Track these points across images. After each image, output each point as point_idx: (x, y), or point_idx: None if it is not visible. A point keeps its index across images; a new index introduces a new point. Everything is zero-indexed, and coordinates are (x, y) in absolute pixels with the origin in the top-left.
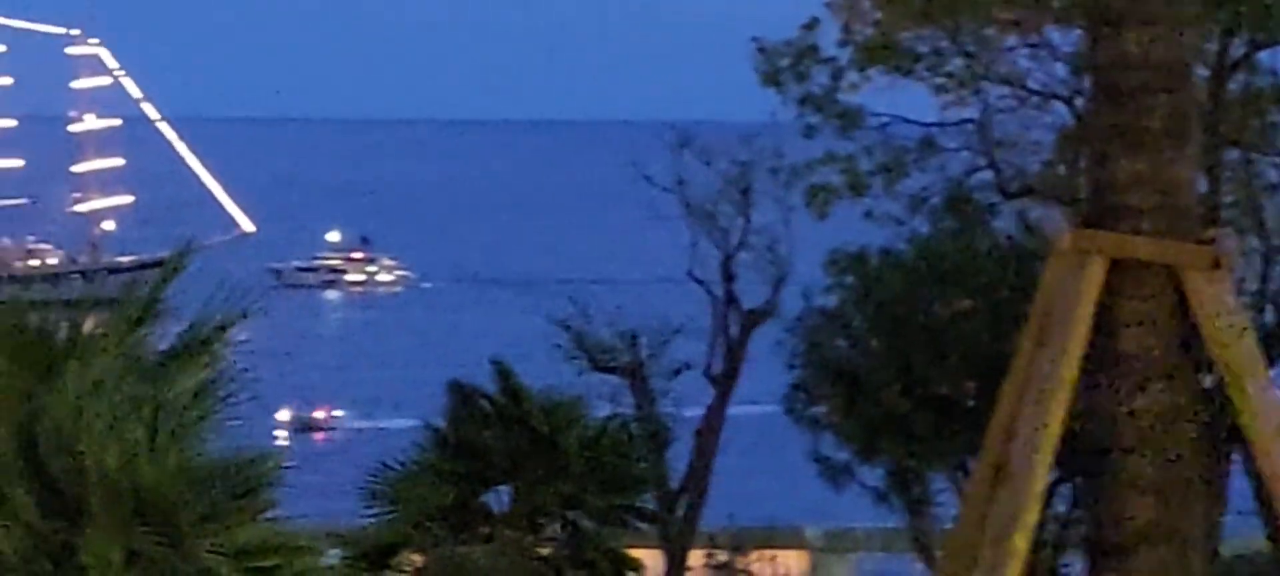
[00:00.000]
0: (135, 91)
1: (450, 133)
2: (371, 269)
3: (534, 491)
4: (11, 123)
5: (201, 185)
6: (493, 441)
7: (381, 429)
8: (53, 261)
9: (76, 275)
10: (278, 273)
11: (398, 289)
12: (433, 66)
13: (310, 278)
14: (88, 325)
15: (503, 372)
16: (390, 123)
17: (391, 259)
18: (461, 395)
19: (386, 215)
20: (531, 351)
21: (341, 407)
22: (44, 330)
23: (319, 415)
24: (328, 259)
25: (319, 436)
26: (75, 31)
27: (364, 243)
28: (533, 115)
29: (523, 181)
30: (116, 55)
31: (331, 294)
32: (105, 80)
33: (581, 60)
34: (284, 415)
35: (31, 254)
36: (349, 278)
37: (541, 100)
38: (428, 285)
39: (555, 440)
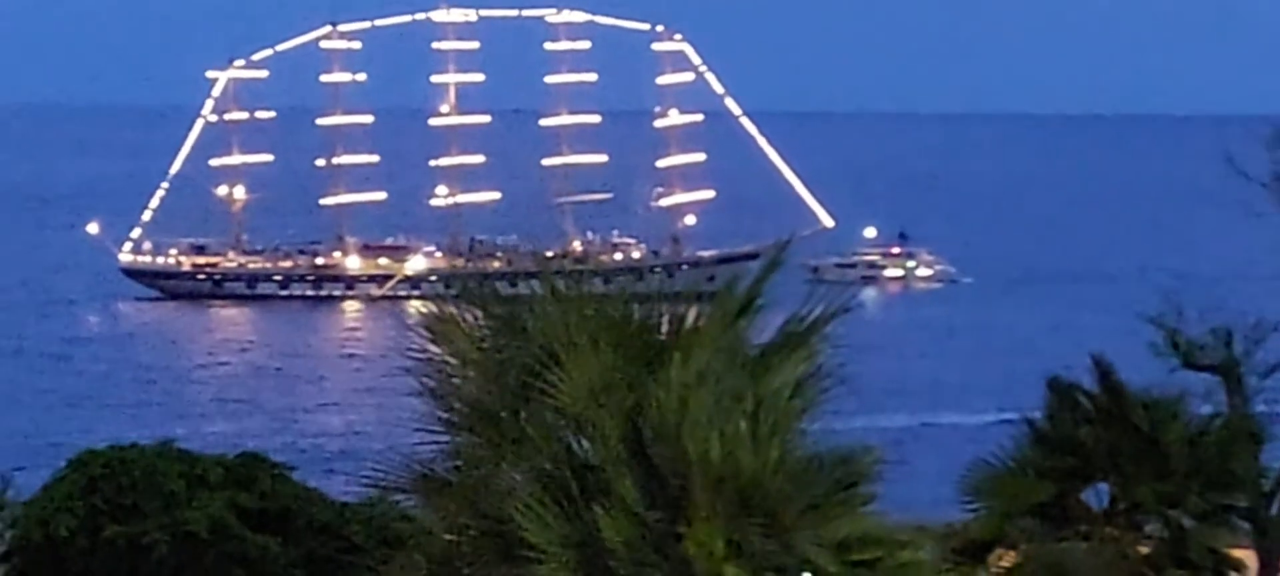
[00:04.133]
0: (717, 87)
1: (1020, 127)
2: (910, 264)
3: (1134, 489)
4: (596, 118)
5: (782, 180)
6: (1092, 438)
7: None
8: (636, 255)
9: (659, 269)
10: (815, 269)
11: (937, 285)
12: (1003, 61)
13: (849, 274)
14: (689, 318)
15: (1102, 369)
16: (956, 117)
17: (930, 254)
18: (1061, 391)
19: (933, 210)
20: (1109, 348)
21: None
22: (647, 322)
23: None
24: (866, 254)
25: None
26: (660, 28)
27: (902, 238)
28: (1120, 110)
29: (1097, 176)
30: (699, 51)
31: (869, 291)
32: (688, 76)
33: (1168, 55)
34: None
35: (616, 248)
36: (887, 274)
37: (1128, 95)
38: (968, 280)
39: (1156, 437)
